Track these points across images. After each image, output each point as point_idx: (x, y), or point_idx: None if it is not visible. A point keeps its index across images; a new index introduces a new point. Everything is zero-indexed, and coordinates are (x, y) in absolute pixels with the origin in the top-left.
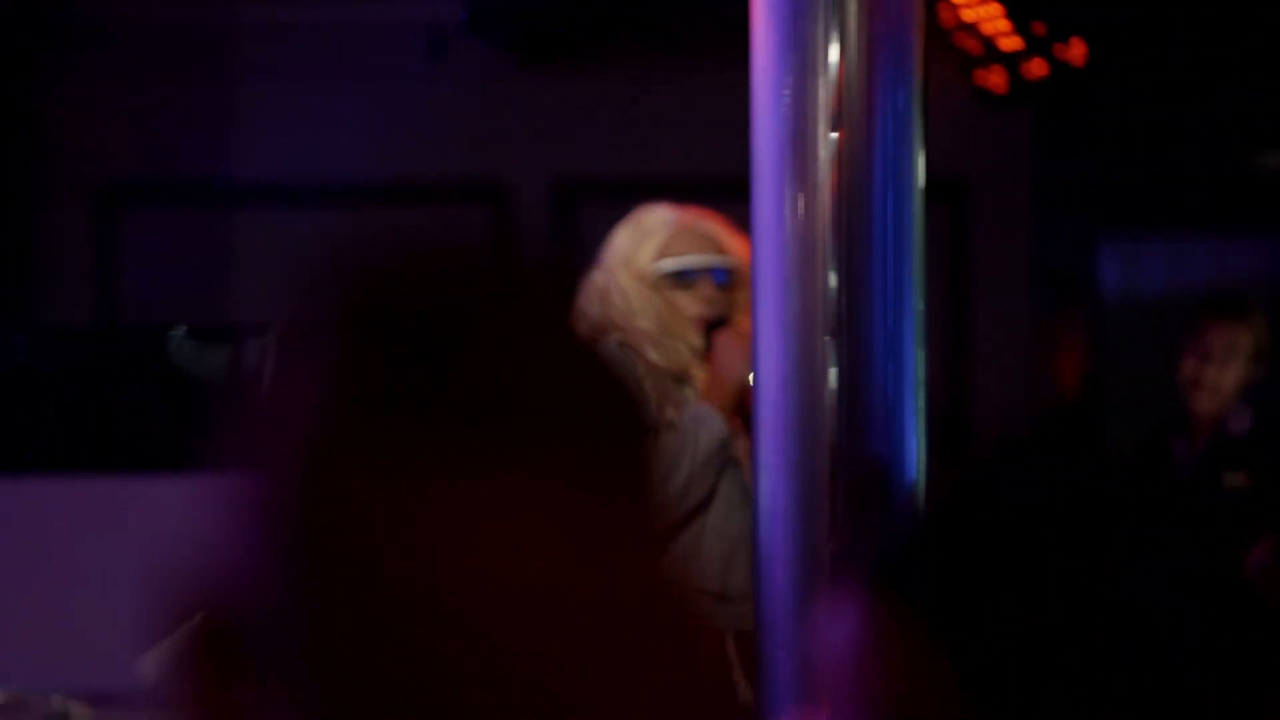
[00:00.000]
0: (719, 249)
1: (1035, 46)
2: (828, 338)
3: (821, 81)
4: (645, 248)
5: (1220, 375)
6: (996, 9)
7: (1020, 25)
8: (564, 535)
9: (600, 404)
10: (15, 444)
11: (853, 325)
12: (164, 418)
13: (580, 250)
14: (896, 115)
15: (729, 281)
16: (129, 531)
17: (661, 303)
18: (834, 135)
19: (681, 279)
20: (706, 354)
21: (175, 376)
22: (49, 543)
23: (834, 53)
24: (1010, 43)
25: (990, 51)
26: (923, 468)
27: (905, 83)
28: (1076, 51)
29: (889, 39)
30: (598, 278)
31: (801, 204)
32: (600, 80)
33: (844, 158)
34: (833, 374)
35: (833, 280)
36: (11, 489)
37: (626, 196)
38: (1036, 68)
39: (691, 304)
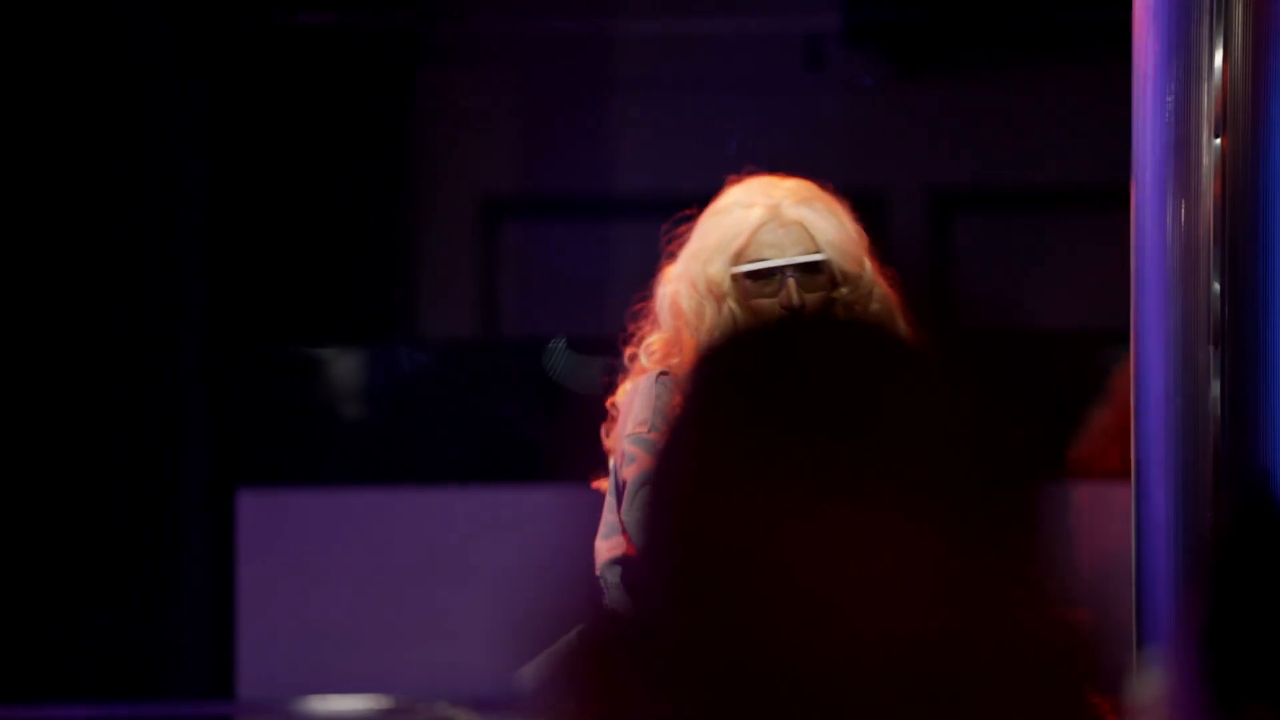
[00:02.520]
0: (809, 241)
1: None
2: (1211, 347)
3: (1205, 87)
4: (722, 248)
5: None
6: None
7: None
8: (928, 552)
9: (966, 424)
10: (401, 454)
11: (1237, 334)
12: (544, 428)
13: (957, 262)
14: None
15: (823, 275)
16: (511, 541)
17: (738, 313)
18: (1217, 141)
19: (760, 280)
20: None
21: (555, 387)
22: (432, 552)
23: (1219, 57)
24: None
25: None
26: None
27: None
28: None
29: (1276, 42)
30: (669, 282)
31: (1184, 211)
32: (978, 88)
33: (1228, 164)
34: (1216, 384)
35: (1216, 288)
36: (397, 499)
37: (1003, 207)
38: None
39: (771, 308)
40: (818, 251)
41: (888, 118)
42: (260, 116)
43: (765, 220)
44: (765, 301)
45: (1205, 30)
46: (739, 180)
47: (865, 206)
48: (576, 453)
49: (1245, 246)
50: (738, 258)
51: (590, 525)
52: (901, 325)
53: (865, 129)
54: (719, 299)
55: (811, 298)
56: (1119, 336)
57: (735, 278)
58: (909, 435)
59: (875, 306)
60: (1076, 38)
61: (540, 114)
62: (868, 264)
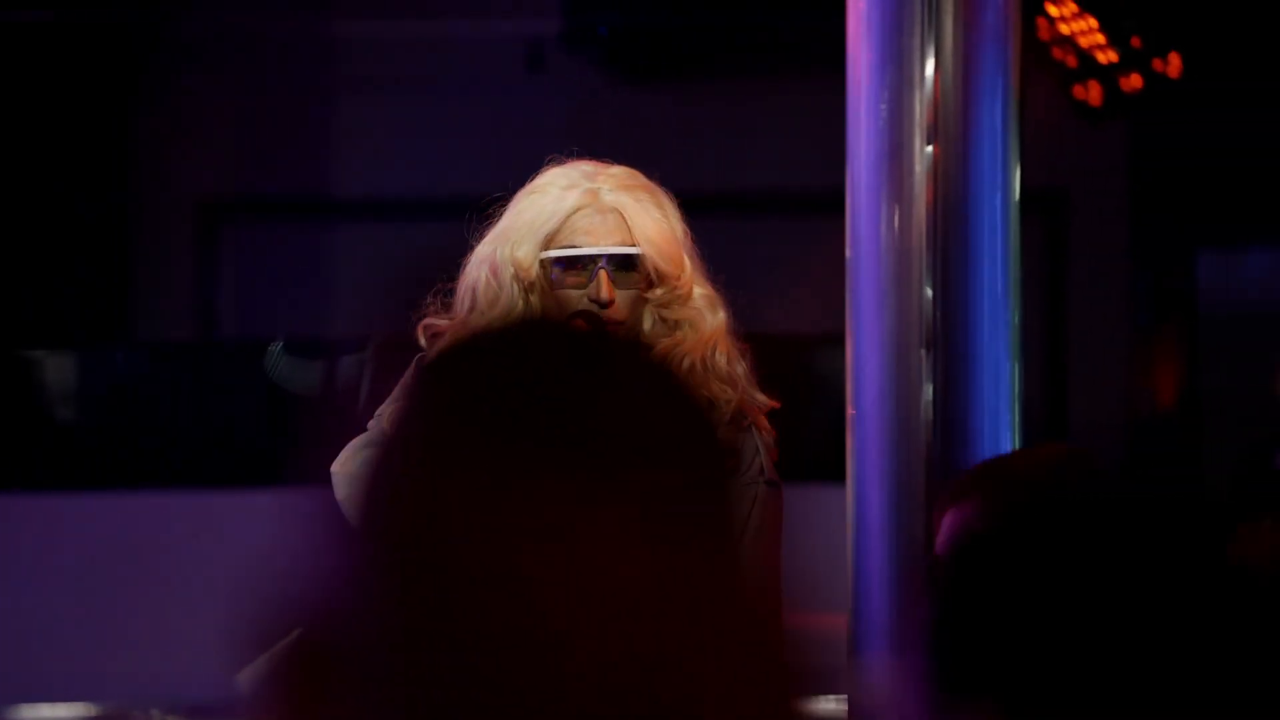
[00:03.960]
0: (625, 232)
1: (1132, 59)
2: (924, 351)
3: (918, 95)
4: (533, 230)
5: None
6: (1093, 23)
7: (1117, 39)
8: (645, 559)
9: (675, 431)
10: (116, 458)
11: (949, 338)
12: (263, 431)
13: None
14: (993, 128)
15: (637, 272)
16: (225, 545)
17: (538, 301)
18: (930, 149)
19: (571, 269)
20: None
21: (274, 390)
22: (147, 556)
23: (930, 67)
24: (1107, 56)
25: (1087, 65)
26: None
27: (1002, 96)
28: (1173, 64)
29: (985, 53)
30: (475, 265)
31: (897, 217)
32: (697, 94)
33: (940, 171)
34: (928, 388)
35: (929, 293)
36: (109, 503)
37: (724, 212)
38: (1133, 80)
39: (579, 300)
40: (634, 245)
41: (609, 122)
42: None
43: (582, 205)
44: (573, 293)
45: (917, 41)
46: (560, 161)
47: None
48: (296, 455)
49: (955, 252)
50: (549, 242)
51: (309, 528)
52: (706, 337)
53: (586, 133)
54: (524, 285)
55: (623, 294)
56: (836, 340)
57: (544, 263)
58: (647, 455)
59: (694, 306)
60: (796, 45)
61: (260, 116)
62: (688, 265)
